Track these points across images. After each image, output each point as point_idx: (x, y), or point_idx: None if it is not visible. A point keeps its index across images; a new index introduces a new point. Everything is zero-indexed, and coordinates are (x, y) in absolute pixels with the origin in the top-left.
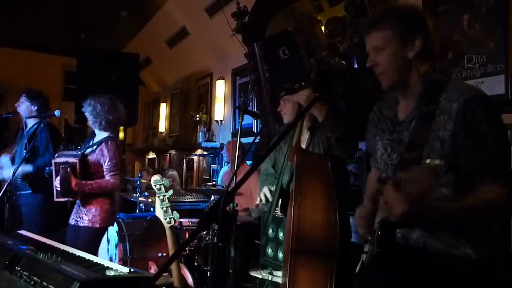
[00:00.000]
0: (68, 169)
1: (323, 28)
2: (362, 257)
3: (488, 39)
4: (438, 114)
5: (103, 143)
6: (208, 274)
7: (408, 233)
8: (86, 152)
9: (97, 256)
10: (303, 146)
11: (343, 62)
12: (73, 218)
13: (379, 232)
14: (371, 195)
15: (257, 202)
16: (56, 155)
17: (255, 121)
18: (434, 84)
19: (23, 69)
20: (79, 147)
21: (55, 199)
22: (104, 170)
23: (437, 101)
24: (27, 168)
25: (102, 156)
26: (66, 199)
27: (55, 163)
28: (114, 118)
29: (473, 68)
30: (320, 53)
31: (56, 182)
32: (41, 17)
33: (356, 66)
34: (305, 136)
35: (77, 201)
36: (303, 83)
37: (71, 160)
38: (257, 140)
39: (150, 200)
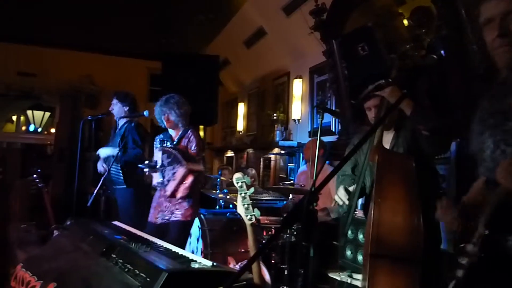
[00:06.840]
0: None
1: (405, 21)
2: (457, 273)
3: None
4: None
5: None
6: (285, 273)
7: None
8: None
9: (184, 248)
10: (387, 146)
11: (434, 56)
12: (159, 217)
13: (486, 232)
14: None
15: (333, 203)
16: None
17: (333, 119)
18: None
19: (113, 73)
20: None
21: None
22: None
23: None
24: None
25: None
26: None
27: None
28: None
29: None
30: (403, 47)
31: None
32: (128, 26)
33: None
34: (389, 136)
35: (164, 197)
36: (389, 80)
37: None
38: (335, 139)
39: (229, 197)
